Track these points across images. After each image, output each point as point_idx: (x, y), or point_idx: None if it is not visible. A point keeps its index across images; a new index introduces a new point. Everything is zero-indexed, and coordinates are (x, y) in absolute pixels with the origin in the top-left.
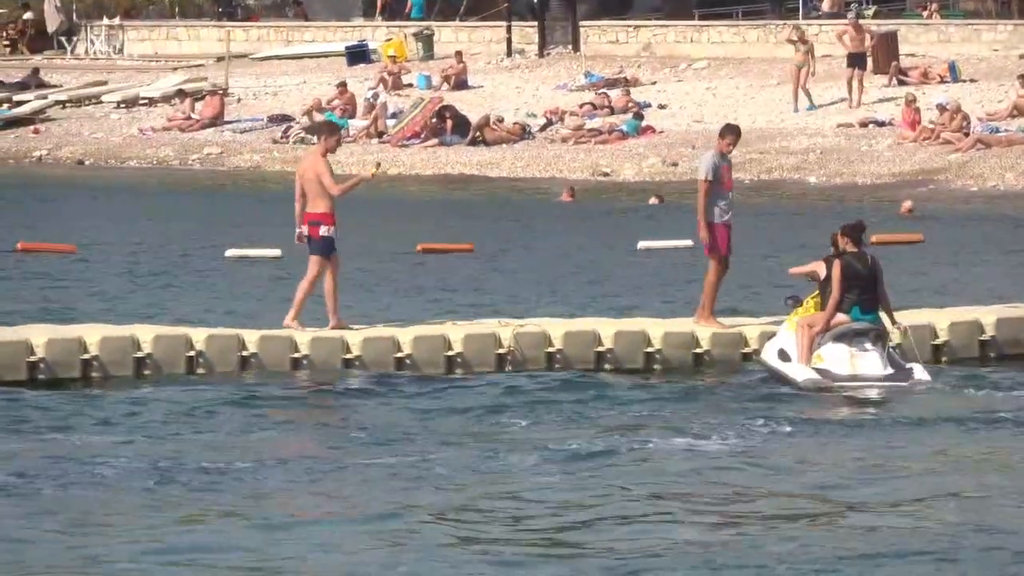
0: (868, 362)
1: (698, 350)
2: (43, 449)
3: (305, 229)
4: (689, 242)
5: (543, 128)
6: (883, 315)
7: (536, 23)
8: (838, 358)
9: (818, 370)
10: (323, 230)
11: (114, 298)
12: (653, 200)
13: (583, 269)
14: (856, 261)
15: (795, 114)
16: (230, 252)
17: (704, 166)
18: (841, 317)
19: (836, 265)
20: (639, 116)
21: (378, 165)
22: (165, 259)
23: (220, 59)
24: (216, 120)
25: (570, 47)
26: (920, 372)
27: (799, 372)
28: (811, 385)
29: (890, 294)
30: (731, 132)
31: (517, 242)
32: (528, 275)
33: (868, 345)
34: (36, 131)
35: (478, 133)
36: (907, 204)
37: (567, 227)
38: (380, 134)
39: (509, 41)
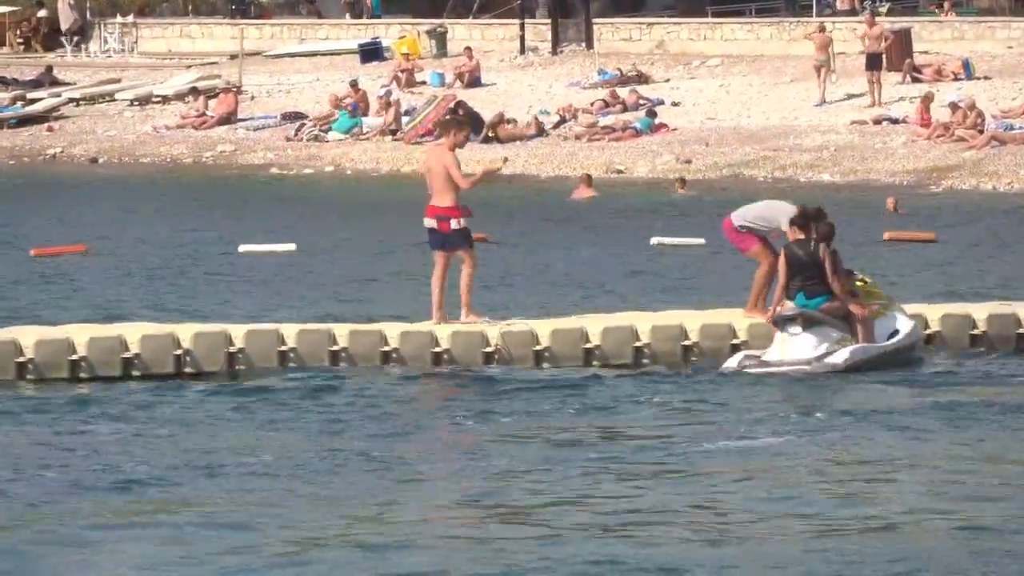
0: (795, 346)
1: (687, 342)
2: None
3: (433, 223)
4: (702, 240)
5: (556, 126)
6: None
7: (549, 20)
8: (771, 344)
9: (750, 355)
10: (453, 223)
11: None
12: (679, 189)
13: (593, 266)
14: (798, 248)
15: (816, 107)
16: (243, 248)
17: (786, 219)
18: (788, 304)
19: (781, 254)
20: (652, 114)
21: (505, 160)
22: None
23: (233, 57)
24: (230, 118)
25: (583, 44)
26: (836, 357)
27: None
28: (725, 371)
29: (898, 290)
30: (813, 220)
31: (531, 237)
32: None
33: (796, 330)
34: (50, 129)
35: (491, 131)
36: (891, 201)
37: (583, 222)
38: (394, 131)
39: (522, 39)
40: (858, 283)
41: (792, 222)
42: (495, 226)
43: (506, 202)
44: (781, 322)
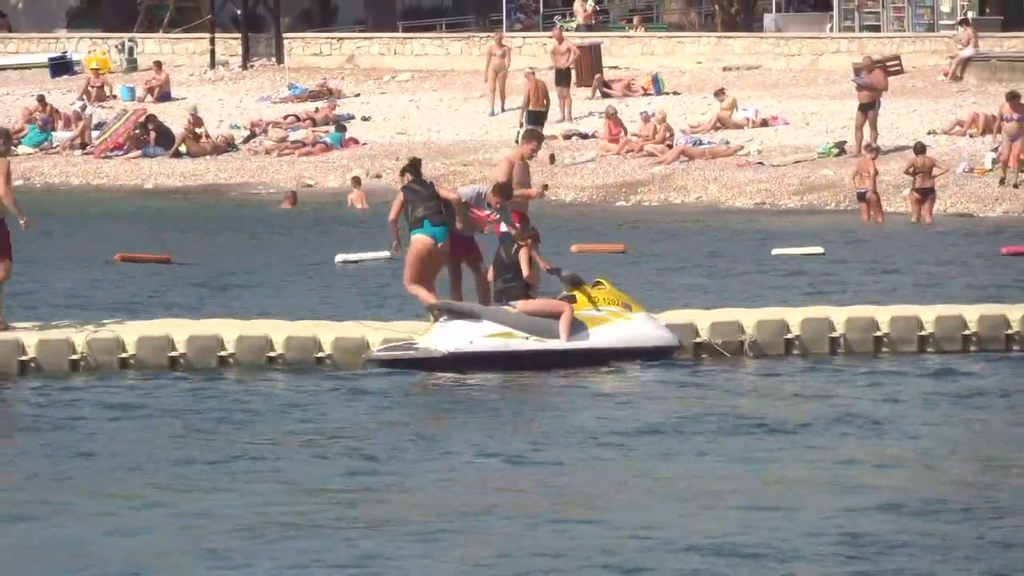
0: (439, 336)
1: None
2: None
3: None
4: (387, 253)
5: (247, 140)
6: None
7: (240, 35)
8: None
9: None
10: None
11: None
12: (285, 204)
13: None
14: (415, 185)
15: (492, 117)
16: None
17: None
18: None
19: (399, 196)
20: (342, 128)
21: (545, 187)
22: None
23: None
24: None
25: (274, 59)
26: (476, 348)
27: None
28: (372, 358)
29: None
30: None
31: (220, 251)
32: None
33: (444, 319)
34: None
35: (184, 143)
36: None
37: (277, 236)
38: (84, 145)
39: (213, 53)
40: (594, 287)
41: (401, 172)
42: (177, 240)
43: (194, 216)
44: (434, 311)
